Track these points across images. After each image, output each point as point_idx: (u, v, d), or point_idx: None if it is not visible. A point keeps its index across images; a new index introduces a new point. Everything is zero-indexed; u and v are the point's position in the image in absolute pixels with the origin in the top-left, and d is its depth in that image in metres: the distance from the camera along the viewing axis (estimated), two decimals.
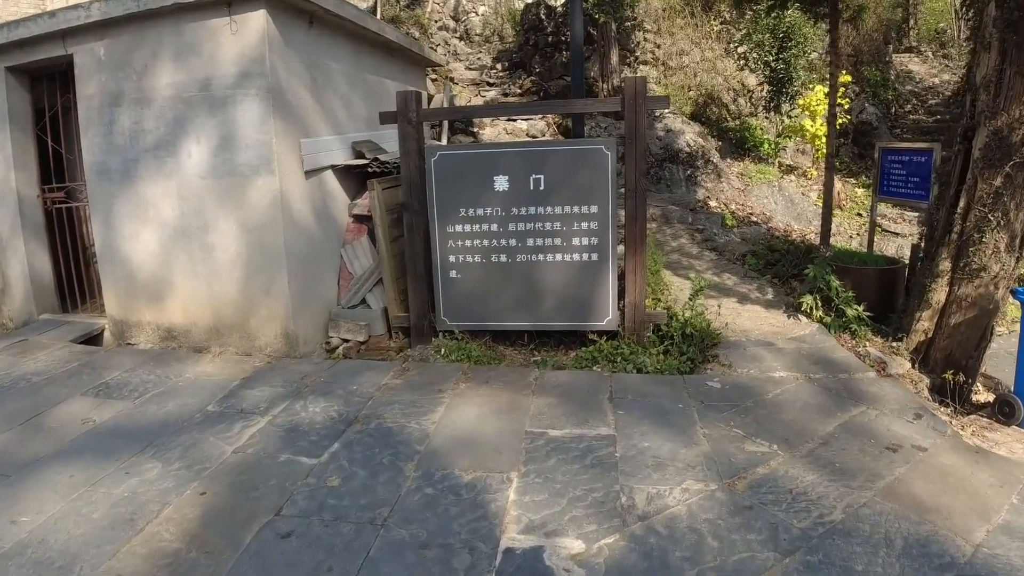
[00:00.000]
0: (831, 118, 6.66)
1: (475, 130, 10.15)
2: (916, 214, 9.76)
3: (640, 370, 4.91)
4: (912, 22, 17.27)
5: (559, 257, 5.17)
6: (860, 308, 5.56)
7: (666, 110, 10.83)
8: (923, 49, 15.67)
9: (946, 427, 3.93)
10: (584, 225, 5.09)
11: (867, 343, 5.46)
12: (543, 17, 11.87)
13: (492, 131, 10.24)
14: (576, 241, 5.12)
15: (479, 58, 13.63)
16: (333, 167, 5.98)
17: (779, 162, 10.74)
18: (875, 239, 9.22)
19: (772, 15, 9.37)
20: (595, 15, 11.11)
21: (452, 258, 5.31)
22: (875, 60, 12.59)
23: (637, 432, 3.79)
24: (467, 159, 5.27)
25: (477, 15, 15.52)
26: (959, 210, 4.98)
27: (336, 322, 5.79)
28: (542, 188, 5.10)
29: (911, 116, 12.21)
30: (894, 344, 5.44)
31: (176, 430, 3.97)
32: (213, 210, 5.41)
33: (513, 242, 5.20)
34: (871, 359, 5.12)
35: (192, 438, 3.86)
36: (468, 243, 5.26)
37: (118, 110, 5.58)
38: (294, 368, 4.95)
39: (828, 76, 10.35)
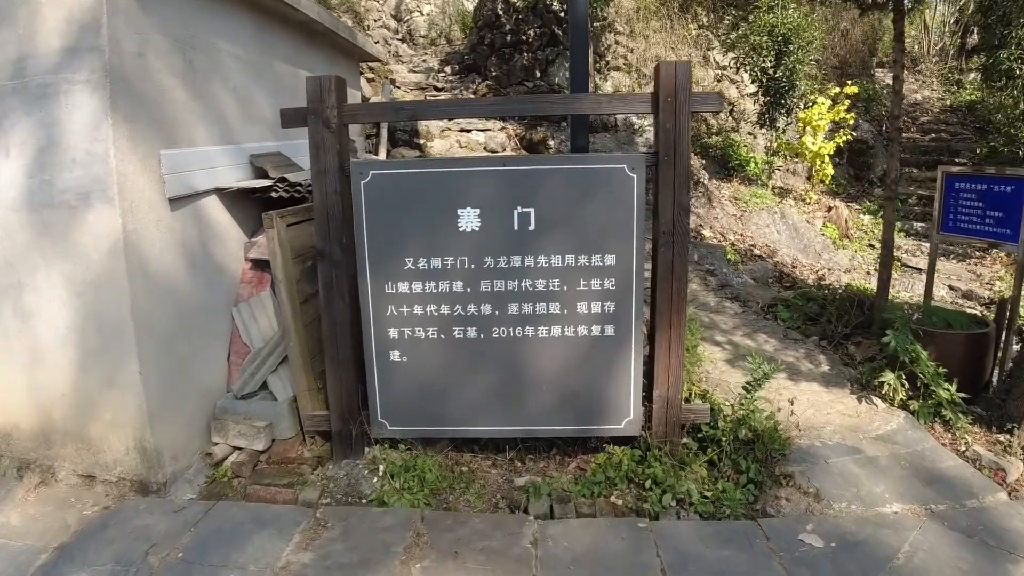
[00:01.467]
0: (895, 133, 5.22)
1: (422, 142, 8.38)
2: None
3: (681, 501, 3.28)
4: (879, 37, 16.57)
5: (557, 331, 3.46)
6: (952, 388, 4.12)
7: (646, 123, 9.37)
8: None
9: None
10: (595, 283, 3.41)
11: (967, 436, 4.03)
12: (500, 13, 10.24)
13: (443, 144, 8.49)
14: (582, 307, 3.43)
15: (424, 60, 11.88)
16: (219, 190, 4.10)
17: (772, 185, 9.38)
18: (893, 276, 7.93)
19: (771, 14, 8.02)
20: (562, 11, 9.55)
21: (394, 332, 3.53)
22: (862, 73, 11.53)
23: None
24: (416, 182, 3.50)
25: (422, 15, 13.78)
26: None
27: (223, 421, 3.89)
28: (531, 228, 3.40)
29: (904, 134, 11.14)
30: (1000, 437, 4.03)
31: None
32: (30, 260, 3.48)
33: (487, 308, 3.47)
34: (987, 466, 3.72)
35: None
36: (419, 310, 3.49)
37: None
38: (142, 521, 3.05)
39: (832, 87, 9.14)
